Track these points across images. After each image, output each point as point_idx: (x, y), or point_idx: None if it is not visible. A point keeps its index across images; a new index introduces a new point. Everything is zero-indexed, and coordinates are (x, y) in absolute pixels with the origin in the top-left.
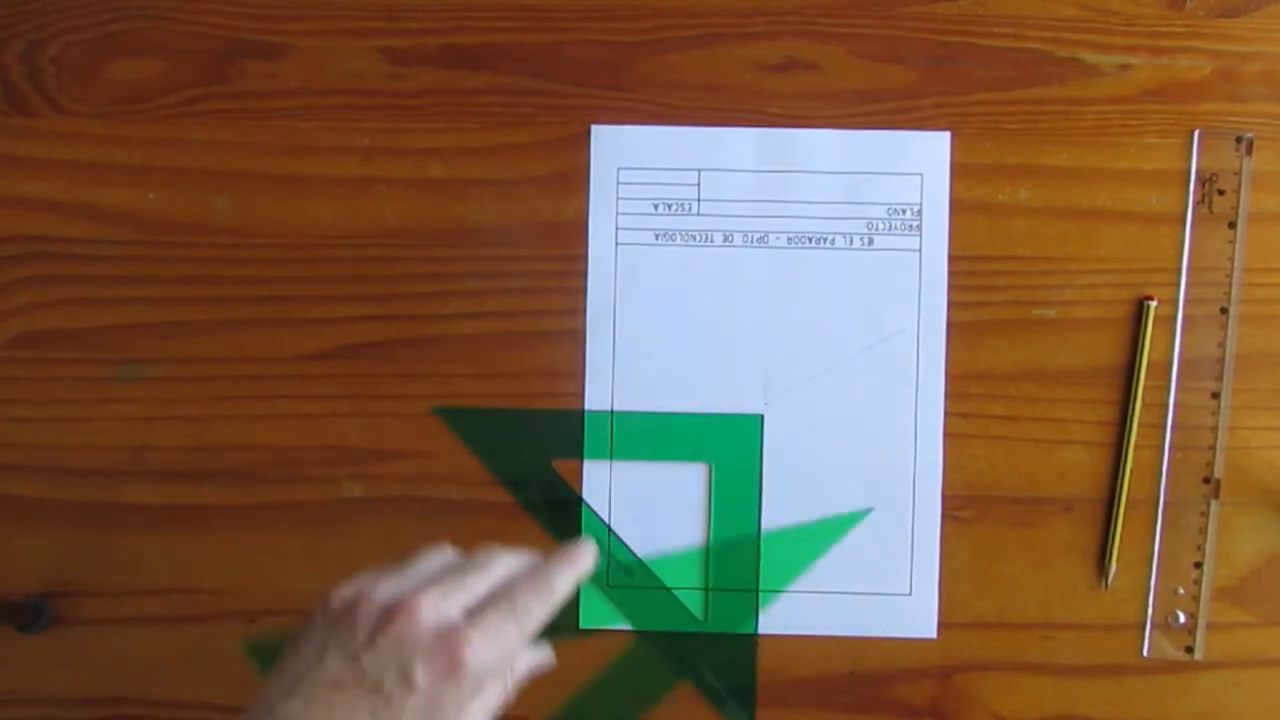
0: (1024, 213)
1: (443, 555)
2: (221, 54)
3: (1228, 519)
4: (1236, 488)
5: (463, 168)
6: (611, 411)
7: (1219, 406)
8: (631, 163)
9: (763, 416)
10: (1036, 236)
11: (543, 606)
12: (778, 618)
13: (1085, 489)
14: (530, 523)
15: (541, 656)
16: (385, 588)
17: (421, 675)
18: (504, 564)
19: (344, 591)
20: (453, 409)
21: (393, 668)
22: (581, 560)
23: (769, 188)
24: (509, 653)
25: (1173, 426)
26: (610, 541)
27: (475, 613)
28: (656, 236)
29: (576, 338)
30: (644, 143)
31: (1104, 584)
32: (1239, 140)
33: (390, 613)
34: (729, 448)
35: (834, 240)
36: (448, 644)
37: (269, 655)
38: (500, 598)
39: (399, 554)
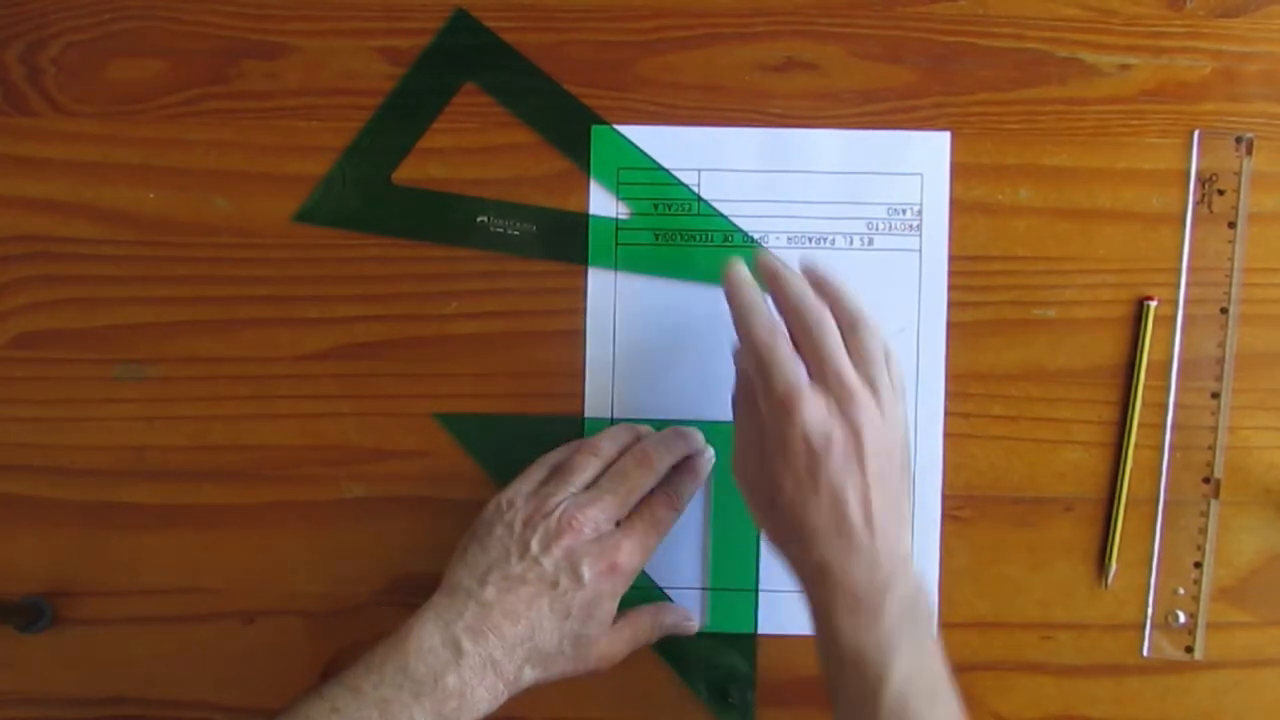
0: (1024, 213)
1: (590, 457)
2: (221, 54)
3: (1228, 519)
4: (1236, 488)
5: (463, 168)
6: (611, 419)
7: (1219, 406)
8: (631, 163)
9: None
10: (1036, 236)
11: (674, 516)
12: (778, 618)
13: (1085, 489)
14: None
15: (686, 622)
16: (554, 502)
17: (588, 574)
18: (643, 478)
19: (515, 499)
20: (452, 415)
21: (566, 570)
22: (701, 472)
23: (769, 188)
24: (650, 553)
25: (1173, 426)
26: None
27: (624, 522)
28: (656, 236)
29: (576, 338)
30: (644, 143)
31: (1104, 584)
32: (1239, 140)
33: (561, 528)
34: (728, 451)
35: (834, 240)
36: (606, 550)
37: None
38: (644, 510)
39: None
